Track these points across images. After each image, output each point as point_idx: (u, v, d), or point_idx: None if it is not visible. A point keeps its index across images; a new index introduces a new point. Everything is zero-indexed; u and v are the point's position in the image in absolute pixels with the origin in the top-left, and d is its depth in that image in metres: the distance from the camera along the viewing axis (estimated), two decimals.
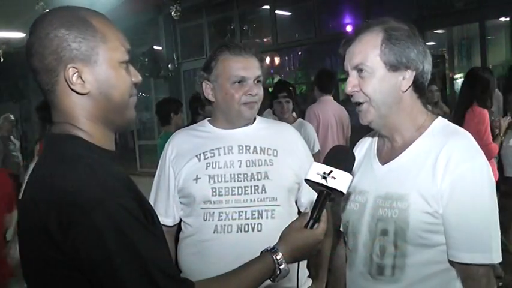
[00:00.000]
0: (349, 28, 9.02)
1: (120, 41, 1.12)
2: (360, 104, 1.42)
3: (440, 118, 1.46)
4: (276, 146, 1.88)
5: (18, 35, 11.73)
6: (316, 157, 3.83)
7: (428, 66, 1.41)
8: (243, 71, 1.83)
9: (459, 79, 7.73)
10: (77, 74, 1.07)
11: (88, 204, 0.97)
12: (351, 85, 1.42)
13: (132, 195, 1.04)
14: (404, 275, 1.36)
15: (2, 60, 11.78)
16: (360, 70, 1.40)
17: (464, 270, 1.33)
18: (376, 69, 1.38)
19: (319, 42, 9.50)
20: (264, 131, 1.93)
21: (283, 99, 4.09)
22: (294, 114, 4.42)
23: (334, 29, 9.47)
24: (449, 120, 1.48)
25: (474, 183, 1.30)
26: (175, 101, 4.78)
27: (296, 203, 1.98)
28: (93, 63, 1.08)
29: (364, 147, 1.61)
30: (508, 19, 7.32)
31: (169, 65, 11.30)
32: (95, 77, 1.08)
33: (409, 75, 1.38)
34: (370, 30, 1.40)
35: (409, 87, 1.39)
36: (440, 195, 1.31)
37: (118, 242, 0.97)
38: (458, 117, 3.74)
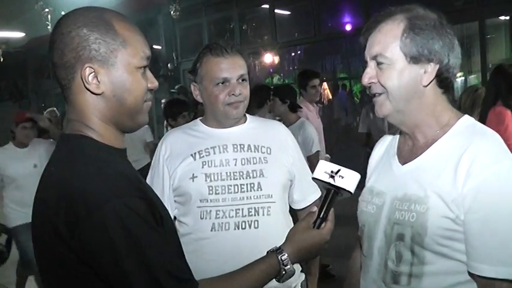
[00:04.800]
0: (348, 27, 9.03)
1: (140, 47, 1.14)
2: (377, 94, 1.33)
3: (466, 116, 1.34)
4: (269, 143, 1.90)
5: (18, 34, 11.74)
6: (315, 157, 3.87)
7: (455, 60, 1.29)
8: (225, 71, 1.83)
9: (459, 78, 7.73)
10: (93, 74, 1.09)
11: (94, 204, 0.99)
12: (368, 76, 1.32)
13: (139, 194, 1.05)
14: (421, 284, 1.25)
15: (1, 60, 11.77)
16: (378, 61, 1.30)
17: (484, 285, 1.19)
18: (395, 61, 1.28)
19: (319, 41, 9.52)
20: (257, 129, 1.95)
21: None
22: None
23: (333, 28, 9.48)
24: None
25: (500, 189, 1.17)
26: (184, 102, 4.77)
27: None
28: (110, 66, 1.10)
29: (384, 146, 1.51)
30: (507, 18, 7.32)
31: (169, 65, 11.31)
32: (111, 79, 1.10)
33: (431, 69, 1.27)
34: (392, 18, 1.30)
35: (430, 82, 1.29)
36: (462, 200, 1.19)
37: (123, 241, 0.99)
38: (482, 117, 3.55)
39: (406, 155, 1.38)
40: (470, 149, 1.21)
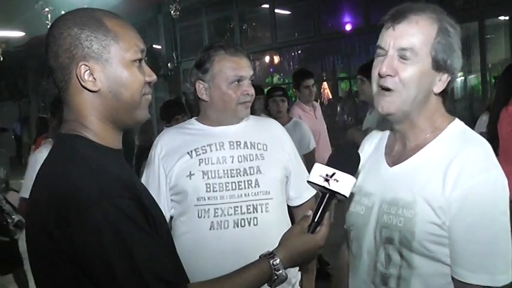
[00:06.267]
0: (348, 27, 9.03)
1: (133, 41, 1.14)
2: (387, 89, 1.27)
3: (457, 121, 1.33)
4: (265, 140, 1.91)
5: (18, 34, 11.72)
6: (312, 155, 4.00)
7: (457, 73, 1.31)
8: (241, 70, 1.85)
9: (458, 78, 7.72)
10: (88, 71, 1.10)
11: (84, 205, 0.99)
12: (388, 66, 1.25)
13: (130, 195, 1.05)
14: (410, 286, 1.26)
15: (1, 59, 11.76)
16: (404, 55, 1.24)
17: None
18: (422, 61, 1.24)
19: (319, 40, 9.52)
20: (252, 126, 1.96)
21: (278, 97, 4.24)
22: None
23: (333, 28, 9.48)
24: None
25: (486, 198, 1.19)
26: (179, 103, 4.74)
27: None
28: (105, 61, 1.10)
29: (373, 144, 1.49)
30: (507, 18, 7.32)
31: (169, 64, 11.30)
32: (106, 75, 1.11)
33: (445, 79, 1.28)
34: (426, 14, 1.26)
35: (441, 91, 1.30)
36: (448, 206, 1.20)
37: (111, 242, 0.99)
38: (494, 118, 3.47)
39: (395, 156, 1.37)
40: (459, 156, 1.21)
